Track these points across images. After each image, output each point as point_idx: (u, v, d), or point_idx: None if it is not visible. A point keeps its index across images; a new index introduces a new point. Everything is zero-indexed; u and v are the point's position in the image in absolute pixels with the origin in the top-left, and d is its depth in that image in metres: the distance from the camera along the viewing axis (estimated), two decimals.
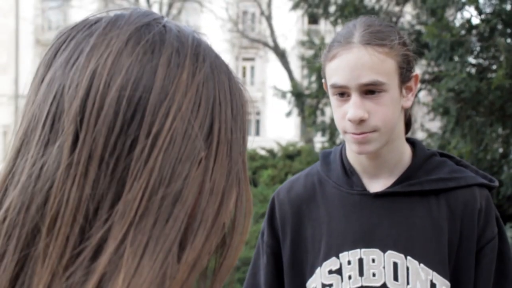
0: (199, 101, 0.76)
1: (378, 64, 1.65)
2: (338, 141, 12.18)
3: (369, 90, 1.66)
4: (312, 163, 10.31)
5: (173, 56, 0.76)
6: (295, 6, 11.34)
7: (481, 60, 8.53)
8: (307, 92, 11.98)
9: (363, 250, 1.74)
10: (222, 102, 0.79)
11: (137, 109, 0.73)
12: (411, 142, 1.85)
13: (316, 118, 11.84)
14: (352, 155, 1.80)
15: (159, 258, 0.71)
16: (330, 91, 1.72)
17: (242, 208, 0.83)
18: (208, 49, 0.82)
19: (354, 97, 1.66)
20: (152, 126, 0.73)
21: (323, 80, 1.76)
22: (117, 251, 0.70)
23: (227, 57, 33.88)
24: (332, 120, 12.21)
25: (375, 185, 1.79)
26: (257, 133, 36.97)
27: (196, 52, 0.79)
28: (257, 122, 37.51)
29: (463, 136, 7.71)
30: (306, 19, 28.51)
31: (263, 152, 15.60)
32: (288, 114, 12.20)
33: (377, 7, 10.50)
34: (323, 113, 12.46)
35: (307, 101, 11.90)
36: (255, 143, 21.90)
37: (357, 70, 1.65)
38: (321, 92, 10.99)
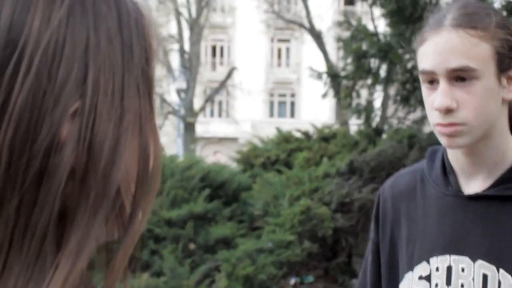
0: (60, 47, 0.63)
1: (469, 48, 1.50)
2: (374, 124, 12.12)
3: (460, 77, 1.52)
4: (347, 146, 10.18)
5: (18, 2, 0.63)
6: None
7: None
8: (343, 73, 11.92)
9: (453, 257, 1.60)
10: (101, 41, 0.66)
11: None
12: None
13: (352, 100, 11.78)
14: (451, 152, 1.65)
15: (30, 250, 0.62)
16: (420, 78, 1.59)
17: (148, 163, 0.71)
18: None
19: (442, 84, 1.52)
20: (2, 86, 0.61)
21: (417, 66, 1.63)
22: None
23: (262, 38, 33.79)
24: (368, 102, 12.14)
25: (471, 187, 1.62)
26: (292, 115, 36.91)
27: None
28: (292, 104, 37.43)
29: None
30: (342, 0, 28.31)
31: (298, 134, 15.55)
32: (324, 95, 12.16)
33: None
34: (358, 95, 12.38)
35: (343, 83, 11.84)
36: (290, 125, 21.84)
37: (445, 54, 1.51)
38: (357, 74, 10.92)
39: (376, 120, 12.69)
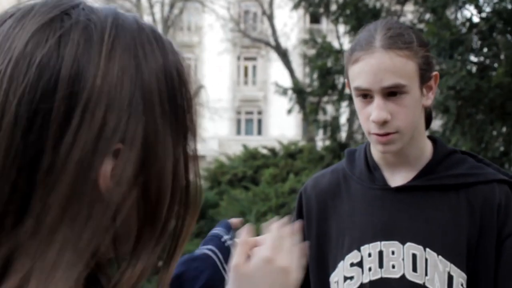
0: (118, 102, 0.71)
1: (400, 68, 1.71)
2: (339, 139, 12.22)
3: (391, 92, 1.72)
4: (313, 161, 10.26)
5: (76, 60, 0.70)
6: (296, 6, 11.36)
7: (482, 58, 8.55)
8: (308, 89, 12.01)
9: (383, 242, 1.78)
10: (153, 93, 0.75)
11: (41, 120, 0.69)
12: (433, 139, 1.90)
13: (318, 116, 11.86)
14: (376, 151, 1.86)
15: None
16: (353, 93, 1.78)
17: (189, 194, 0.80)
18: (133, 34, 0.76)
19: (377, 100, 1.72)
20: (56, 135, 0.69)
21: (345, 80, 1.84)
22: (30, 266, 0.67)
23: (229, 57, 33.87)
24: (334, 118, 12.25)
25: (396, 180, 1.84)
26: (259, 132, 36.94)
27: (111, 47, 0.73)
28: (259, 121, 37.47)
29: (463, 134, 7.74)
30: (308, 18, 28.53)
31: (264, 151, 15.61)
32: (289, 111, 12.23)
33: (378, 5, 10.52)
34: (325, 112, 12.46)
35: (309, 99, 11.93)
36: (257, 142, 21.88)
37: (379, 74, 1.71)
38: (322, 90, 11.01)
39: (342, 135, 12.79)
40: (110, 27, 0.74)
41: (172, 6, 26.09)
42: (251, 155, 15.24)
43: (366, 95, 1.74)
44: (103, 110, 0.70)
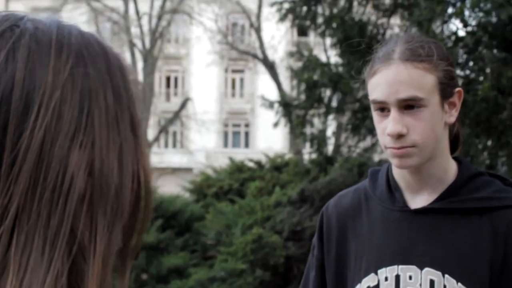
0: (69, 96, 0.75)
1: (417, 80, 1.67)
2: (327, 153, 12.22)
3: (409, 106, 1.68)
4: (299, 174, 10.22)
5: (30, 61, 0.75)
6: (283, 18, 11.35)
7: (468, 72, 8.59)
8: (295, 103, 12.01)
9: (400, 266, 1.74)
10: (99, 88, 0.78)
11: (1, 122, 0.72)
12: (458, 160, 1.82)
13: (304, 129, 11.86)
14: (397, 171, 1.80)
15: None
16: (372, 107, 1.74)
17: (142, 186, 0.82)
18: (77, 38, 0.80)
19: (393, 112, 1.68)
20: (15, 133, 0.72)
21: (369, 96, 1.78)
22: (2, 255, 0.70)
23: (216, 69, 33.91)
24: (320, 131, 12.25)
25: (417, 202, 1.78)
26: (246, 145, 36.94)
27: (60, 48, 0.77)
28: (246, 134, 37.48)
29: None
30: (295, 31, 28.58)
31: (251, 164, 15.60)
32: (276, 124, 12.21)
33: (364, 18, 10.52)
34: (312, 125, 12.44)
35: (295, 112, 11.93)
36: (244, 155, 21.86)
37: (395, 85, 1.67)
38: (309, 104, 11.01)
39: (329, 148, 12.79)
40: (56, 31, 0.78)
41: (159, 18, 26.10)
42: (237, 168, 15.24)
43: (383, 108, 1.70)
44: (58, 103, 0.73)
